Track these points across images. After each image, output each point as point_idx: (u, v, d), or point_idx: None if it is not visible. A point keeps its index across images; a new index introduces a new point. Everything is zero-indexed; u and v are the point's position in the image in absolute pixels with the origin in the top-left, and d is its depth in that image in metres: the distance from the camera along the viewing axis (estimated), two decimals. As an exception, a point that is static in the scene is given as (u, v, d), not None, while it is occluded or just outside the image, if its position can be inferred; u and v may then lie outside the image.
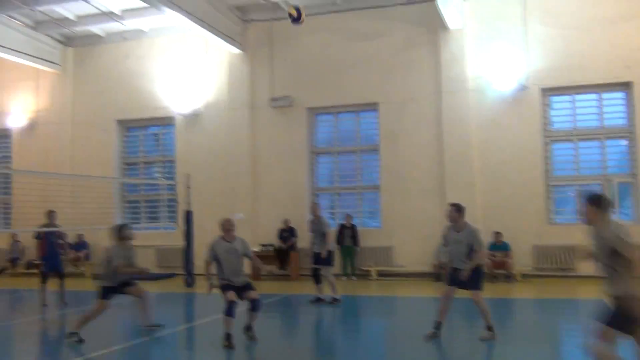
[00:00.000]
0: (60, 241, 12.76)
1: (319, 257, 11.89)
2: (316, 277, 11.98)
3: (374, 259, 16.35)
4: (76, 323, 8.70)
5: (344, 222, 16.37)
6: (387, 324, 10.73)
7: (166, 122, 18.84)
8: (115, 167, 19.17)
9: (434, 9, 14.80)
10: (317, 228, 11.98)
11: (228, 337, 8.06)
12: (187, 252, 15.54)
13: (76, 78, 19.64)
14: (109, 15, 17.42)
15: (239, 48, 17.45)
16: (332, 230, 16.61)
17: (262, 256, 14.81)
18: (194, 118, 18.14)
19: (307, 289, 14.59)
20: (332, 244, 12.14)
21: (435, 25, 15.86)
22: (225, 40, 16.83)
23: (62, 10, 17.45)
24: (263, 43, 17.60)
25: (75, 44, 19.60)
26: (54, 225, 12.34)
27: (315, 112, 17.59)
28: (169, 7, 14.46)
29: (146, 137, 19.53)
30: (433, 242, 15.62)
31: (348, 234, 16.19)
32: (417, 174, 16.20)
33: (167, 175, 18.64)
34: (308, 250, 13.91)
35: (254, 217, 17.11)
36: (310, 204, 13.26)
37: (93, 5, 16.80)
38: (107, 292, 8.79)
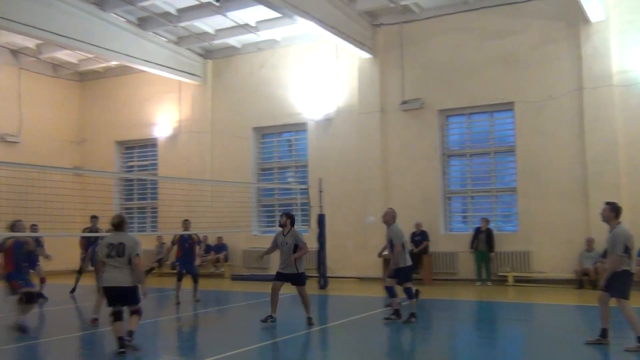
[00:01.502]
0: (195, 245, 13.88)
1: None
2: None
3: (511, 264, 15.74)
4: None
5: (479, 225, 15.91)
6: (526, 331, 10.26)
7: (299, 127, 19.34)
8: (252, 172, 19.93)
9: (573, 2, 14.08)
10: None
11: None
12: (320, 254, 15.80)
13: (215, 88, 20.70)
14: (245, 27, 18.21)
15: (369, 52, 17.56)
16: (462, 234, 16.36)
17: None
18: (325, 123, 18.48)
19: (441, 293, 14.35)
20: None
21: (575, 19, 15.05)
22: (356, 46, 16.99)
23: (202, 25, 18.47)
24: (393, 46, 17.57)
25: (214, 56, 20.66)
26: (187, 232, 13.58)
27: (447, 113, 17.28)
28: (302, 16, 14.84)
29: (280, 143, 20.15)
30: (575, 247, 14.83)
31: (483, 239, 15.72)
32: (556, 175, 15.41)
33: (300, 179, 19.11)
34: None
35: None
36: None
37: (230, 19, 17.63)
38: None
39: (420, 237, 16.44)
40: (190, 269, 13.53)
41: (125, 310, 8.17)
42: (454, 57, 16.75)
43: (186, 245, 13.57)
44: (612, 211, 7.92)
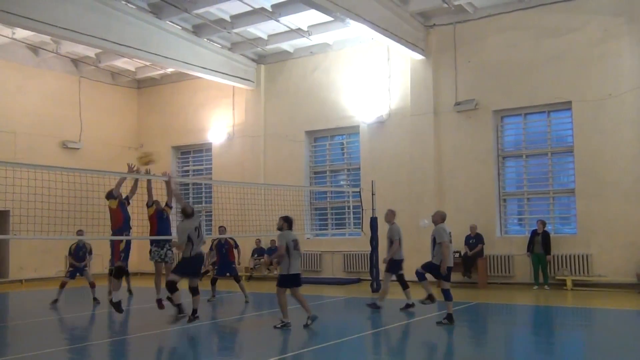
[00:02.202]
0: (232, 249, 14.63)
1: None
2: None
3: (569, 267, 15.31)
4: None
5: (535, 228, 15.55)
6: (586, 337, 9.96)
7: (351, 130, 19.34)
8: (304, 175, 20.03)
9: (634, -4, 13.62)
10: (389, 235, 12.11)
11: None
12: (372, 257, 15.73)
13: (267, 93, 20.90)
14: (297, 32, 18.34)
15: (421, 54, 17.42)
16: (519, 237, 16.02)
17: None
18: (378, 126, 18.41)
19: (496, 297, 14.08)
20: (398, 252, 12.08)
21: (637, 13, 14.55)
22: (408, 47, 16.88)
23: (255, 30, 18.69)
24: (446, 47, 17.38)
25: (267, 61, 20.88)
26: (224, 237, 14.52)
27: (502, 114, 16.96)
28: (354, 19, 14.84)
29: (332, 146, 20.19)
30: (637, 250, 14.38)
31: (539, 241, 15.34)
32: (618, 176, 14.91)
33: (352, 182, 19.10)
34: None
35: (439, 223, 16.81)
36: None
37: (283, 24, 17.80)
38: None
39: (474, 240, 16.19)
40: (230, 270, 14.30)
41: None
42: (509, 56, 16.44)
43: (223, 250, 14.38)
44: None
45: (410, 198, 17.50)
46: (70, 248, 14.62)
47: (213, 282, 14.49)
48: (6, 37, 18.92)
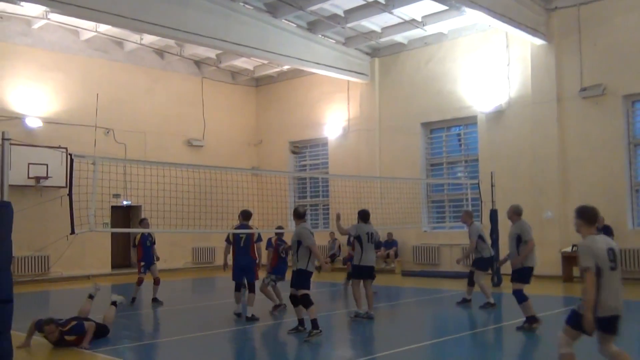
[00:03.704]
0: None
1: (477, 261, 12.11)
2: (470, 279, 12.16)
3: None
4: None
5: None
6: None
7: (469, 121, 18.87)
8: (421, 168, 19.79)
9: None
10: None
11: None
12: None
13: (382, 86, 20.84)
14: (411, 23, 18.13)
15: (542, 39, 16.64)
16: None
17: (572, 257, 13.80)
18: (497, 115, 17.82)
19: (631, 294, 13.21)
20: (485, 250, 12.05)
21: None
22: (528, 32, 16.19)
23: (368, 24, 18.68)
24: (569, 30, 16.49)
25: (381, 54, 20.81)
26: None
27: (633, 99, 15.85)
28: (470, 7, 14.45)
29: (449, 137, 19.80)
30: None
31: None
32: None
33: (470, 174, 18.64)
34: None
35: (563, 216, 16.03)
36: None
37: (396, 16, 17.66)
38: None
39: (602, 232, 15.24)
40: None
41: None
42: (639, 37, 15.33)
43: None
44: None
45: (531, 190, 16.81)
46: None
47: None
48: (135, 42, 20.21)
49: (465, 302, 11.97)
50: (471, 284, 12.06)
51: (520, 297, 9.24)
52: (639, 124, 16.06)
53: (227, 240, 11.21)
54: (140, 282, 12.97)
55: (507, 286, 11.76)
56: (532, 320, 9.12)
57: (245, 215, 11.01)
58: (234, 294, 11.23)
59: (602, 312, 5.29)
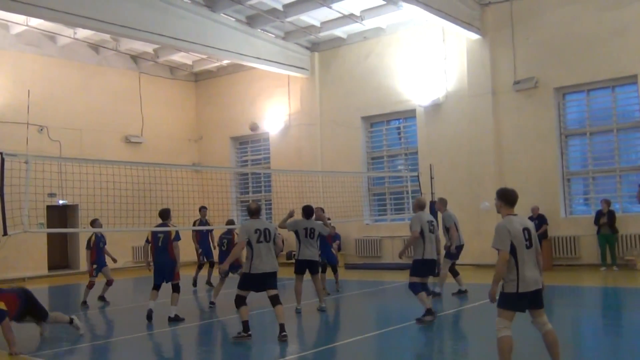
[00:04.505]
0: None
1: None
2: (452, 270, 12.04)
3: (639, 247, 14.78)
4: None
5: (600, 208, 15.08)
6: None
7: (408, 115, 19.16)
8: (362, 161, 19.99)
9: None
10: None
11: None
12: (434, 242, 15.56)
13: (322, 80, 20.91)
14: (350, 18, 18.25)
15: (477, 33, 17.06)
16: (585, 217, 15.55)
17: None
18: (434, 109, 18.16)
19: (562, 279, 13.75)
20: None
21: None
22: (463, 27, 16.57)
23: (308, 18, 18.71)
24: (503, 25, 16.96)
25: (321, 49, 20.87)
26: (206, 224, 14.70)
27: (564, 91, 16.46)
28: (406, 1, 14.68)
29: (389, 131, 20.06)
30: None
31: (605, 221, 14.87)
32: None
33: (410, 166, 18.95)
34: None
35: (501, 205, 16.48)
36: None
37: (335, 10, 17.74)
38: None
39: (537, 221, 15.79)
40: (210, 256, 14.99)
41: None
42: (569, 31, 15.91)
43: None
44: None
45: (470, 181, 17.24)
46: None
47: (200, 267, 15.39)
48: (69, 37, 19.59)
49: (461, 293, 11.77)
50: (456, 274, 11.99)
51: (415, 289, 9.21)
52: (570, 116, 16.69)
53: (147, 240, 11.01)
54: (91, 285, 12.72)
55: (450, 276, 12.07)
56: (428, 312, 9.12)
57: (162, 214, 10.69)
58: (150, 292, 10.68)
59: (524, 287, 5.64)
